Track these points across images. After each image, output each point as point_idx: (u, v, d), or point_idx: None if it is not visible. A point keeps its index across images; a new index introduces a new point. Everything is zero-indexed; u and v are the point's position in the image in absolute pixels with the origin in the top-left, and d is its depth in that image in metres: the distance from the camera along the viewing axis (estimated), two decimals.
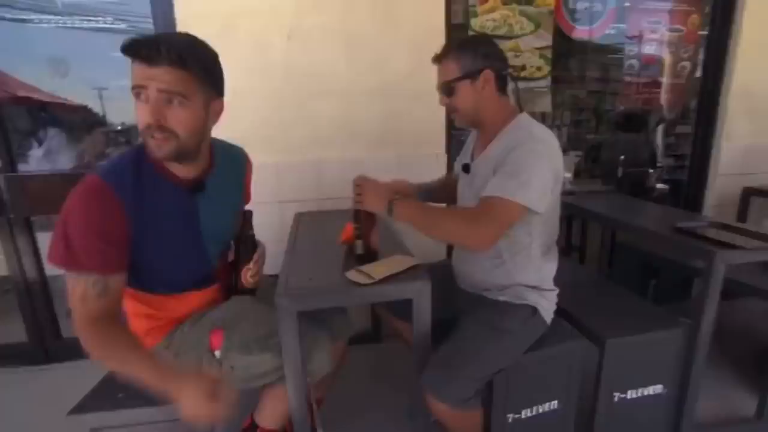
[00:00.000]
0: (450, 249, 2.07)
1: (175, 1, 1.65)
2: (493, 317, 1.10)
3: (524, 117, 1.10)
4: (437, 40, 1.84)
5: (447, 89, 1.09)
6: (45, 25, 2.26)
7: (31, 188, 1.84)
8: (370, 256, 1.12)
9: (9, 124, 1.92)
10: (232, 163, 1.08)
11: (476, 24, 2.11)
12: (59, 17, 2.26)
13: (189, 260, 0.98)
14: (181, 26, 1.66)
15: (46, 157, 2.65)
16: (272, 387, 1.01)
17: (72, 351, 1.99)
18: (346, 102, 1.83)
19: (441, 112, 1.90)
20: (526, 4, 2.14)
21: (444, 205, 1.38)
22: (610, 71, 3.69)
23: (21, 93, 3.12)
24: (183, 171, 0.91)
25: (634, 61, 2.43)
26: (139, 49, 0.75)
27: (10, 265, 1.89)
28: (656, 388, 1.27)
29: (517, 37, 2.15)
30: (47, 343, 1.98)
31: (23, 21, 2.23)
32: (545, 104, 2.28)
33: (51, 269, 1.94)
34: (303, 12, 1.72)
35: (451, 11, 1.93)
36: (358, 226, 1.11)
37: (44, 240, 1.93)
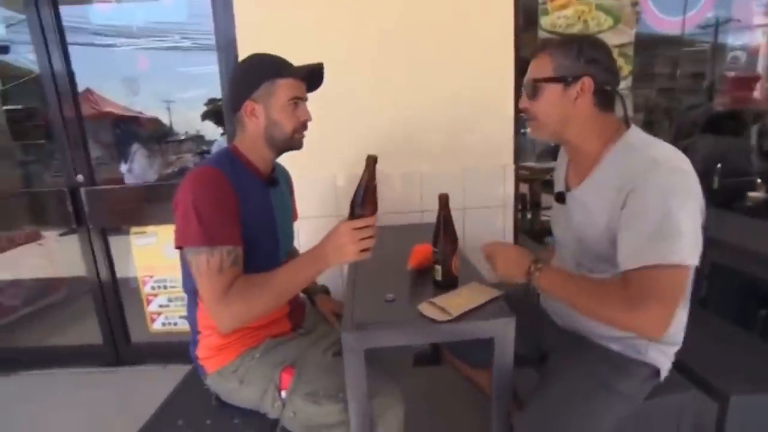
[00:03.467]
0: None
1: (236, 21, 1.68)
2: (604, 371, 0.91)
3: (634, 135, 0.88)
4: (505, 45, 1.70)
5: (531, 88, 0.91)
6: (125, 48, 2.49)
7: (107, 201, 1.96)
8: (450, 283, 1.01)
9: (93, 139, 2.08)
10: (282, 172, 1.20)
11: (547, 22, 1.94)
12: (135, 40, 2.46)
13: (264, 251, 1.00)
14: (241, 42, 1.69)
15: (136, 171, 2.86)
16: None
17: (139, 355, 2.09)
18: (408, 113, 1.74)
19: (509, 121, 1.76)
20: None
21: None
22: (694, 65, 3.26)
23: (106, 108, 3.46)
24: (264, 166, 1.03)
25: (738, 53, 2.09)
26: (313, 80, 1.03)
27: (88, 270, 2.01)
28: None
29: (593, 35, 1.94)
30: (118, 346, 2.09)
31: (108, 46, 2.47)
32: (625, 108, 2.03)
33: (123, 273, 2.07)
34: (361, 21, 1.66)
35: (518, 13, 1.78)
36: (437, 250, 1.01)
37: (116, 243, 2.05)
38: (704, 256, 1.98)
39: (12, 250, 2.39)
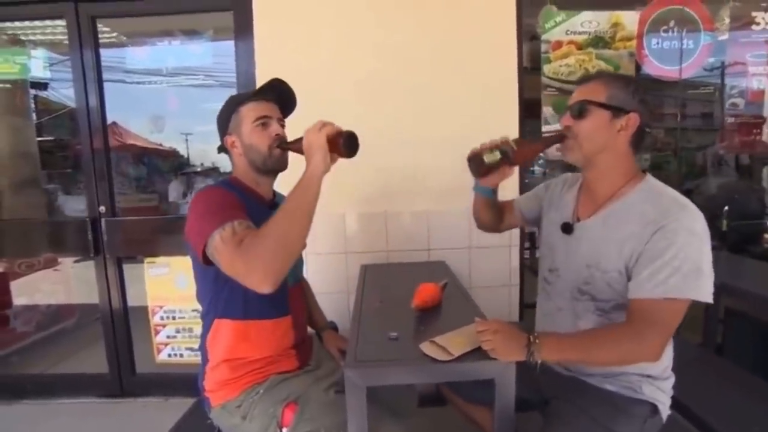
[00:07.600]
0: (522, 313, 1.89)
1: (257, 61, 1.82)
2: (603, 414, 0.91)
3: (654, 180, 0.94)
4: (510, 87, 1.80)
5: (580, 109, 0.91)
6: (154, 86, 2.68)
7: (125, 231, 2.03)
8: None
9: (115, 169, 2.19)
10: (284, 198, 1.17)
11: (549, 70, 2.03)
12: (165, 78, 2.66)
13: None
14: (260, 80, 1.80)
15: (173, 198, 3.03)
16: None
17: (143, 387, 2.08)
18: (416, 154, 1.81)
19: None
20: (603, 48, 2.03)
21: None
22: (702, 106, 3.31)
23: (129, 141, 3.72)
24: (263, 190, 1.08)
25: (738, 99, 2.16)
26: (281, 95, 1.06)
27: (101, 298, 2.05)
28: None
29: None
30: (123, 376, 2.09)
31: (138, 83, 2.66)
32: None
33: (133, 302, 2.09)
34: (371, 64, 1.78)
35: (522, 57, 1.88)
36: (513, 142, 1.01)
37: (130, 271, 2.10)
38: (717, 302, 1.93)
39: (29, 276, 2.46)
